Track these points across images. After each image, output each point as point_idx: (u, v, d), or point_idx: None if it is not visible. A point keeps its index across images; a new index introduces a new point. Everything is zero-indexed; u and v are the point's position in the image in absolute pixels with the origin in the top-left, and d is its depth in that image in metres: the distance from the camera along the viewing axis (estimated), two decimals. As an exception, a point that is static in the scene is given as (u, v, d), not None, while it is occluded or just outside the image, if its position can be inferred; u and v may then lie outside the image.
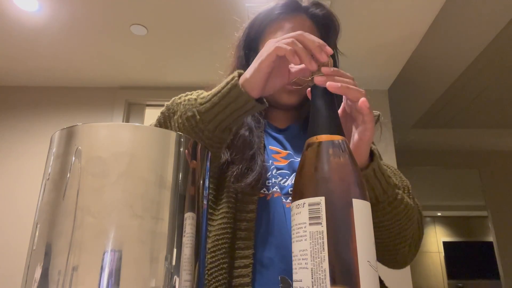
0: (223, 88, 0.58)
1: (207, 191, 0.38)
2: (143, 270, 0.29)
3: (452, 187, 5.48)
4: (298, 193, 0.40)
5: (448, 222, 6.79)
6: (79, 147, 0.32)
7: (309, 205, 0.38)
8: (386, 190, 0.58)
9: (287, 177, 0.73)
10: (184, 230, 0.33)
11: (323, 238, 0.36)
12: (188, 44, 2.39)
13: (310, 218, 0.37)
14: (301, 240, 0.37)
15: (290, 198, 0.70)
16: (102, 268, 0.28)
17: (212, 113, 0.58)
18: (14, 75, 2.75)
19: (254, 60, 0.57)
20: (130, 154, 0.32)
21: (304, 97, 0.78)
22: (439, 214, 6.83)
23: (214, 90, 0.59)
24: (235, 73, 0.58)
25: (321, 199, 0.37)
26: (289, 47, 0.51)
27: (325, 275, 0.35)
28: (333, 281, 0.34)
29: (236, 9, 2.08)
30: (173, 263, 0.31)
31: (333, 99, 0.46)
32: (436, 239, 6.67)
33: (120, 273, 0.28)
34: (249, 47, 0.83)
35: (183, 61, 2.57)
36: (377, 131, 0.77)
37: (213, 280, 0.64)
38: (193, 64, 2.60)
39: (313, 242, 0.36)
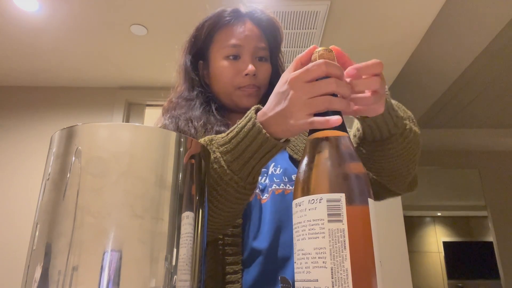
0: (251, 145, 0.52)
1: (207, 191, 0.38)
2: (143, 270, 0.29)
3: (452, 187, 5.47)
4: (309, 188, 0.38)
5: (448, 222, 6.78)
6: (79, 147, 0.32)
7: (328, 201, 0.36)
8: (396, 123, 0.60)
9: (266, 175, 0.75)
10: (184, 230, 0.33)
11: (344, 236, 0.34)
12: (188, 44, 2.39)
13: (329, 214, 0.35)
14: (317, 237, 0.35)
15: (267, 191, 0.72)
16: (102, 268, 0.28)
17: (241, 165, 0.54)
18: (14, 75, 2.74)
19: (277, 101, 0.50)
20: (130, 154, 0.31)
21: (262, 98, 0.80)
22: (439, 214, 6.83)
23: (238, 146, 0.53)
24: (258, 126, 0.51)
25: (341, 196, 0.36)
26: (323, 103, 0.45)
27: (347, 274, 0.33)
28: (355, 281, 0.33)
29: (236, 9, 2.08)
30: (173, 263, 0.31)
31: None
32: (436, 239, 6.67)
33: (120, 273, 0.28)
34: (197, 54, 0.86)
35: (183, 61, 2.57)
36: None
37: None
38: (193, 64, 2.60)
39: (333, 240, 0.35)
